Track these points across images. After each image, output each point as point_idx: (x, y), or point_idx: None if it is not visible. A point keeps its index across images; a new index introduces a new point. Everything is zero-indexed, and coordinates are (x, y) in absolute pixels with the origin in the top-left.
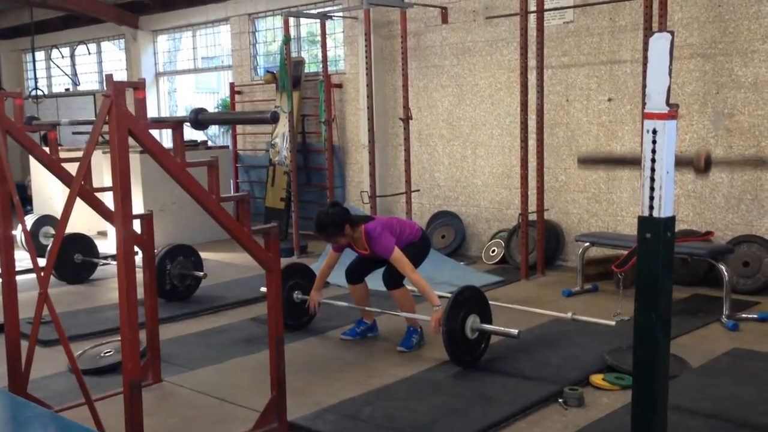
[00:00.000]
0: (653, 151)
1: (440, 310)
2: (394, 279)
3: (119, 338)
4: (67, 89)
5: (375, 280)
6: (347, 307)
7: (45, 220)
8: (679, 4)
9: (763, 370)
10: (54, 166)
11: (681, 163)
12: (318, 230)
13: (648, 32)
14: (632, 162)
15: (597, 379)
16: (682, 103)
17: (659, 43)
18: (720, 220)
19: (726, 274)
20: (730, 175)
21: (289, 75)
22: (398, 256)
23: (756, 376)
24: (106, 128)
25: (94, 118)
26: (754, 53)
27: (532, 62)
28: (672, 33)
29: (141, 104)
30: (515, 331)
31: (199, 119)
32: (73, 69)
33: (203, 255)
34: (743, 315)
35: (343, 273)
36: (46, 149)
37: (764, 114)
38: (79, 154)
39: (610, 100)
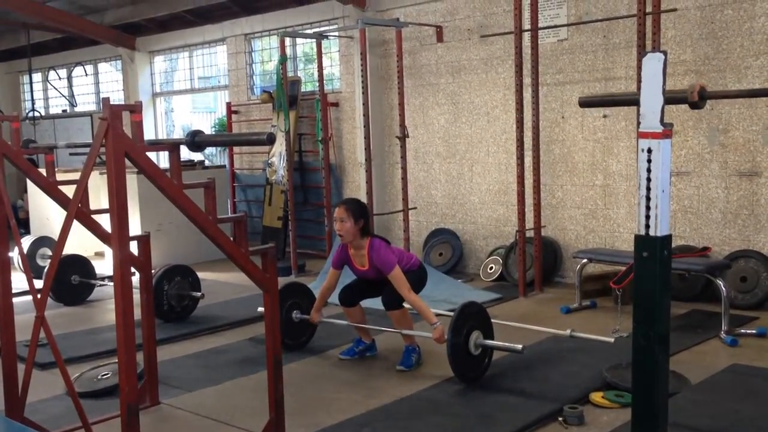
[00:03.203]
0: (648, 170)
1: (440, 326)
2: (394, 300)
3: (116, 360)
4: (64, 110)
5: (373, 300)
6: (347, 326)
7: (42, 241)
8: (672, 22)
9: (763, 385)
10: (51, 189)
11: (675, 99)
12: (344, 201)
13: (641, 49)
14: (631, 102)
15: (597, 396)
16: (676, 119)
17: (652, 62)
18: (717, 235)
19: (724, 289)
20: (726, 191)
21: (286, 94)
22: (398, 273)
23: (756, 392)
24: (103, 149)
25: (91, 140)
26: (747, 69)
27: (527, 80)
28: (665, 53)
29: (138, 127)
30: (519, 347)
31: (196, 141)
32: (70, 90)
33: (200, 275)
34: (742, 330)
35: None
36: (43, 171)
37: (758, 129)
38: (76, 175)
39: (605, 116)
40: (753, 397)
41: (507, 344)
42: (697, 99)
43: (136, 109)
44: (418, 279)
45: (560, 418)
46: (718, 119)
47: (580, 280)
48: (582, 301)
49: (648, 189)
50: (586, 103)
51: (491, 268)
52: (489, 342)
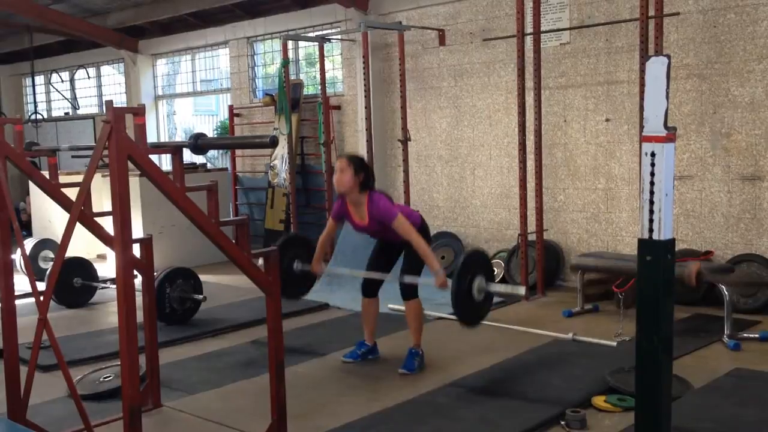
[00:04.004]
0: (652, 174)
1: (443, 273)
2: (411, 288)
3: (119, 363)
4: (66, 113)
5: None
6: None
7: (44, 243)
8: (674, 25)
9: (766, 390)
10: (54, 192)
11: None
12: (346, 153)
13: (644, 53)
14: (625, 273)
15: (599, 400)
16: (679, 123)
17: (656, 66)
18: (719, 239)
19: (727, 293)
20: (729, 195)
21: (288, 97)
22: (401, 220)
23: (759, 396)
24: (105, 152)
25: (94, 143)
26: (750, 73)
27: (529, 83)
28: (668, 56)
29: (141, 130)
30: (522, 289)
31: (199, 144)
32: (72, 93)
33: (202, 278)
34: (745, 334)
35: (344, 294)
36: (45, 173)
37: (761, 133)
38: (79, 177)
39: (607, 120)
40: (756, 402)
41: (509, 290)
42: (695, 284)
43: (139, 111)
44: (421, 234)
45: (562, 422)
46: (721, 123)
47: (582, 284)
48: (584, 305)
49: (651, 193)
50: (577, 266)
51: (493, 272)
52: (492, 287)
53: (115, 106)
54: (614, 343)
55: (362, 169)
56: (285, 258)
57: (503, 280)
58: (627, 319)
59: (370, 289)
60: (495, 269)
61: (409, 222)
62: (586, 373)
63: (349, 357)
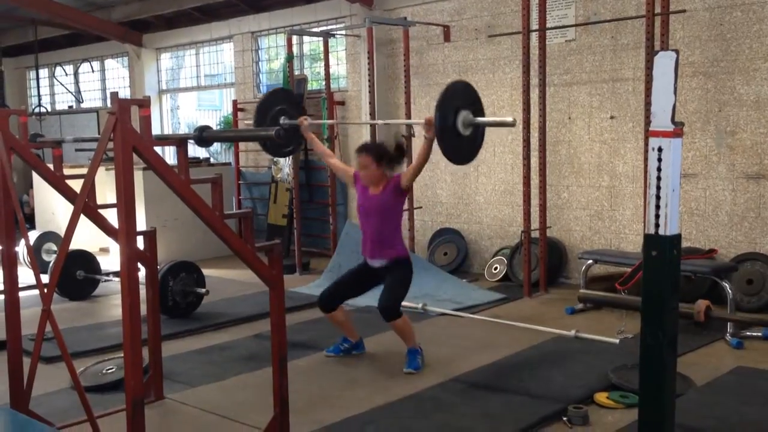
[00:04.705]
0: (659, 169)
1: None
2: (392, 308)
3: (121, 355)
4: (70, 106)
5: (370, 299)
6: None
7: (47, 236)
8: (680, 23)
9: None
10: (58, 183)
11: (682, 315)
12: (364, 147)
13: (650, 51)
14: (629, 306)
15: (601, 397)
16: (684, 121)
17: (664, 61)
18: (723, 237)
19: (730, 291)
20: (733, 193)
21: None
22: (406, 170)
23: (761, 394)
24: (109, 145)
25: (98, 136)
26: (756, 72)
27: (534, 80)
28: (677, 51)
29: (146, 122)
30: (510, 119)
31: (204, 136)
32: (76, 86)
33: (205, 271)
34: (747, 333)
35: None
36: (51, 166)
37: (766, 132)
38: (82, 171)
39: (612, 117)
40: (758, 399)
41: (497, 119)
42: (703, 319)
43: (144, 103)
44: (403, 278)
45: (565, 418)
46: (726, 121)
47: (585, 281)
48: (587, 302)
49: (658, 188)
50: (584, 299)
51: (496, 269)
52: (479, 119)
53: (120, 98)
54: (617, 341)
55: (383, 155)
56: (271, 112)
57: (506, 277)
58: (629, 316)
59: (329, 306)
60: (497, 266)
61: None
62: (588, 369)
63: (331, 351)
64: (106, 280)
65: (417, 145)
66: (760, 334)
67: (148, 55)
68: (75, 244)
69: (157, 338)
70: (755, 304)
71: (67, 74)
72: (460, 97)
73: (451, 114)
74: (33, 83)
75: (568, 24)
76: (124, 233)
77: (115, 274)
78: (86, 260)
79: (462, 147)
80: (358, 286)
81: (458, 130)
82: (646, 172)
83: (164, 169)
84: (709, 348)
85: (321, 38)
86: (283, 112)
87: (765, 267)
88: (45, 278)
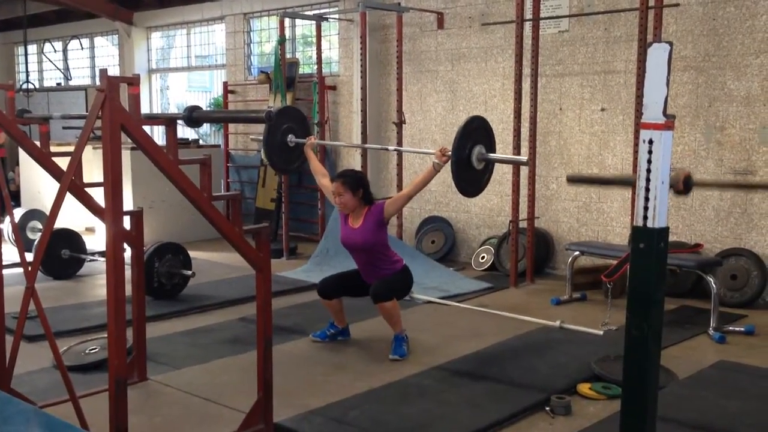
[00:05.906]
0: (649, 161)
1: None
2: (383, 291)
3: (105, 335)
4: (58, 84)
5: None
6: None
7: (32, 214)
8: (674, 17)
9: (749, 382)
10: (45, 161)
11: None
12: (341, 174)
13: (643, 43)
14: (619, 182)
15: (584, 388)
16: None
17: (658, 53)
18: (709, 232)
19: (714, 286)
20: (720, 189)
21: (283, 76)
22: (389, 200)
23: (742, 388)
24: (97, 123)
25: (86, 113)
26: (747, 67)
27: (526, 70)
28: (671, 43)
29: (135, 100)
30: (524, 159)
31: (194, 117)
32: (65, 63)
33: (192, 253)
34: (730, 328)
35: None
36: (37, 143)
37: (755, 128)
38: (69, 148)
39: (603, 109)
40: (738, 393)
41: (510, 157)
42: (682, 188)
43: (134, 81)
44: (402, 280)
45: (547, 408)
46: (716, 117)
47: (571, 272)
48: (573, 294)
49: (647, 180)
50: (573, 179)
51: (483, 258)
52: (492, 155)
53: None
54: (601, 332)
55: (359, 185)
56: (281, 127)
57: (493, 266)
58: (614, 308)
59: (328, 293)
60: (485, 255)
61: (394, 261)
62: (571, 360)
63: (317, 336)
64: (91, 260)
65: (407, 133)
66: (742, 329)
67: (138, 33)
68: (60, 223)
69: (142, 319)
70: (739, 299)
71: (55, 51)
72: (477, 133)
73: (467, 148)
74: (21, 59)
75: (562, 14)
76: (111, 213)
77: (101, 253)
78: (71, 239)
79: (474, 180)
80: (360, 290)
81: (472, 164)
82: (635, 164)
83: (152, 149)
84: (692, 342)
85: (314, 22)
86: (291, 130)
87: (749, 263)
88: (29, 256)
